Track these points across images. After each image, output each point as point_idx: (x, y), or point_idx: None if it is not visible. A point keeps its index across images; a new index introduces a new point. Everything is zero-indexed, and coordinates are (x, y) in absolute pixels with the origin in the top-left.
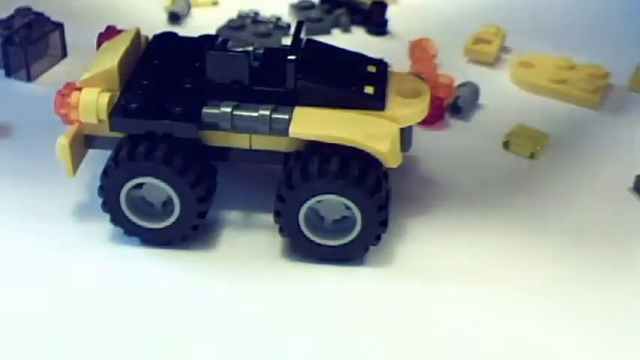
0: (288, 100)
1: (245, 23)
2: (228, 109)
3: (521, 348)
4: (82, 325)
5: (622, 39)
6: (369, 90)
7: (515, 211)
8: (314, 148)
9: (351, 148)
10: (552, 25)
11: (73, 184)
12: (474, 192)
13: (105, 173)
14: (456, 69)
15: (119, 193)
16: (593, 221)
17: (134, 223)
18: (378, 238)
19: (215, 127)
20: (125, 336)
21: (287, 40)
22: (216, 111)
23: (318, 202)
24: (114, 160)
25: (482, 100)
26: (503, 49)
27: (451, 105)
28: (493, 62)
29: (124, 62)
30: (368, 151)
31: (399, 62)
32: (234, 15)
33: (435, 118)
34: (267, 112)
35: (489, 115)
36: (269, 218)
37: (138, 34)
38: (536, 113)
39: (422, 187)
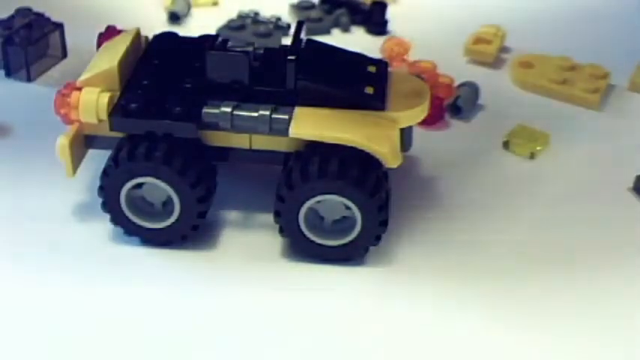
0: (288, 100)
1: (245, 23)
2: (228, 109)
3: (521, 347)
4: (82, 325)
5: (622, 39)
6: (369, 90)
7: (515, 211)
8: (314, 148)
9: (351, 148)
10: (552, 25)
11: (73, 184)
12: (474, 192)
13: (105, 173)
14: (455, 69)
15: (119, 193)
16: (593, 221)
17: (134, 223)
18: (378, 238)
19: (215, 127)
20: (125, 336)
21: (287, 40)
22: (216, 111)
23: (318, 202)
24: (114, 160)
25: (482, 100)
26: (503, 49)
27: (451, 105)
28: (493, 62)
29: (124, 62)
30: (368, 151)
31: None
32: (234, 15)
33: (435, 118)
34: (267, 112)
35: (489, 115)
36: (269, 218)
37: (138, 34)
38: (536, 113)
39: (422, 187)
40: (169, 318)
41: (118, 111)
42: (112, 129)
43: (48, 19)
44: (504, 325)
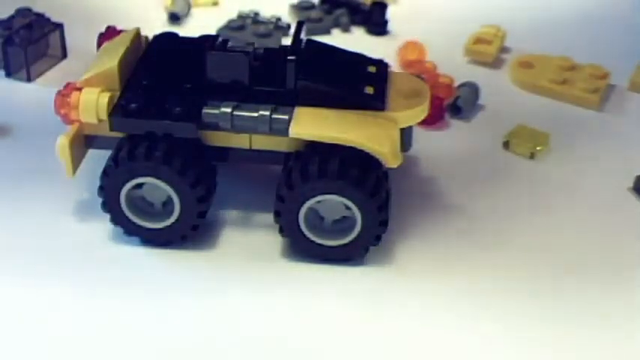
0: (288, 100)
1: (245, 23)
2: (228, 109)
3: (521, 347)
4: (82, 325)
5: (622, 39)
6: (369, 90)
7: (515, 211)
8: (314, 148)
9: (351, 148)
10: (552, 25)
11: (73, 184)
12: (474, 192)
13: (105, 173)
14: (456, 69)
15: (119, 193)
16: (593, 221)
17: (134, 223)
18: (378, 238)
19: (215, 127)
20: (125, 336)
21: (287, 40)
22: (216, 111)
23: (318, 202)
24: (114, 160)
25: (482, 100)
26: (503, 49)
27: (451, 105)
28: (493, 62)
29: (124, 62)
30: (368, 151)
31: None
32: (234, 15)
33: (435, 118)
34: (267, 112)
35: (489, 115)
36: (269, 218)
37: (138, 34)
38: (536, 113)
39: (422, 187)
40: (169, 318)
41: (118, 111)
42: (112, 129)
43: (48, 19)
44: (505, 325)
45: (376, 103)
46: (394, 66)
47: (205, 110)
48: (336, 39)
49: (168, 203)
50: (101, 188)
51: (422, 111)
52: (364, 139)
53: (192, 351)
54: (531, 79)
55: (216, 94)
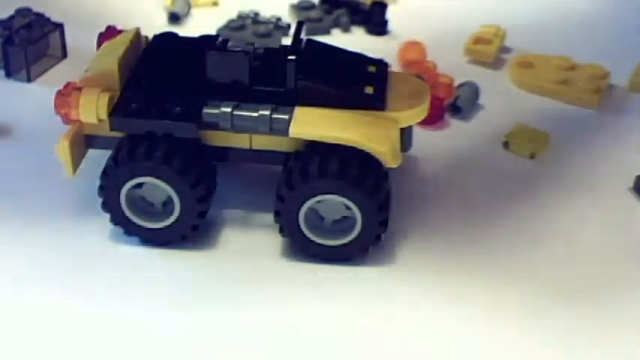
0: (288, 100)
1: (245, 23)
2: (228, 109)
3: (521, 347)
4: (82, 325)
5: (622, 39)
6: (369, 90)
7: (515, 211)
8: (314, 148)
9: (351, 148)
10: (552, 25)
11: (73, 184)
12: (474, 192)
13: (105, 173)
14: (456, 69)
15: (119, 193)
16: (593, 221)
17: (134, 223)
18: (378, 238)
19: (215, 127)
20: (125, 336)
21: (287, 40)
22: (216, 111)
23: (318, 202)
24: (114, 159)
25: (482, 100)
26: (503, 49)
27: (451, 105)
28: (493, 62)
29: (124, 62)
30: (368, 151)
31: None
32: (234, 15)
33: (435, 118)
34: (267, 112)
35: (489, 115)
36: (269, 218)
37: (138, 34)
38: (536, 113)
39: (422, 187)
40: (169, 318)
41: (118, 111)
42: (112, 129)
43: (48, 19)
44: (505, 324)
45: (376, 103)
46: (394, 66)
47: (205, 110)
48: (336, 39)
49: (168, 203)
50: (101, 188)
51: (422, 111)
52: (364, 139)
53: (192, 351)
54: (531, 79)
55: (216, 94)
